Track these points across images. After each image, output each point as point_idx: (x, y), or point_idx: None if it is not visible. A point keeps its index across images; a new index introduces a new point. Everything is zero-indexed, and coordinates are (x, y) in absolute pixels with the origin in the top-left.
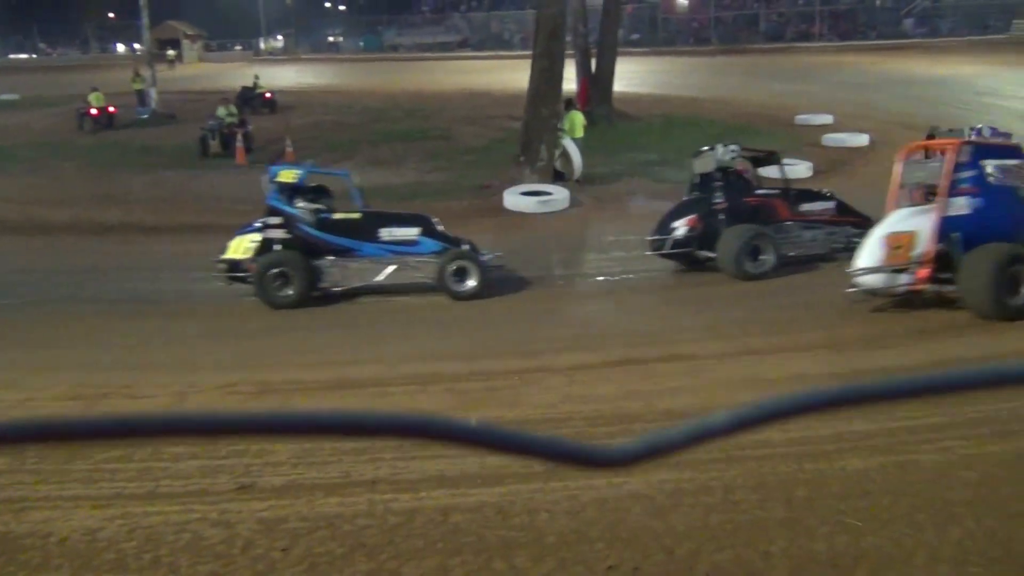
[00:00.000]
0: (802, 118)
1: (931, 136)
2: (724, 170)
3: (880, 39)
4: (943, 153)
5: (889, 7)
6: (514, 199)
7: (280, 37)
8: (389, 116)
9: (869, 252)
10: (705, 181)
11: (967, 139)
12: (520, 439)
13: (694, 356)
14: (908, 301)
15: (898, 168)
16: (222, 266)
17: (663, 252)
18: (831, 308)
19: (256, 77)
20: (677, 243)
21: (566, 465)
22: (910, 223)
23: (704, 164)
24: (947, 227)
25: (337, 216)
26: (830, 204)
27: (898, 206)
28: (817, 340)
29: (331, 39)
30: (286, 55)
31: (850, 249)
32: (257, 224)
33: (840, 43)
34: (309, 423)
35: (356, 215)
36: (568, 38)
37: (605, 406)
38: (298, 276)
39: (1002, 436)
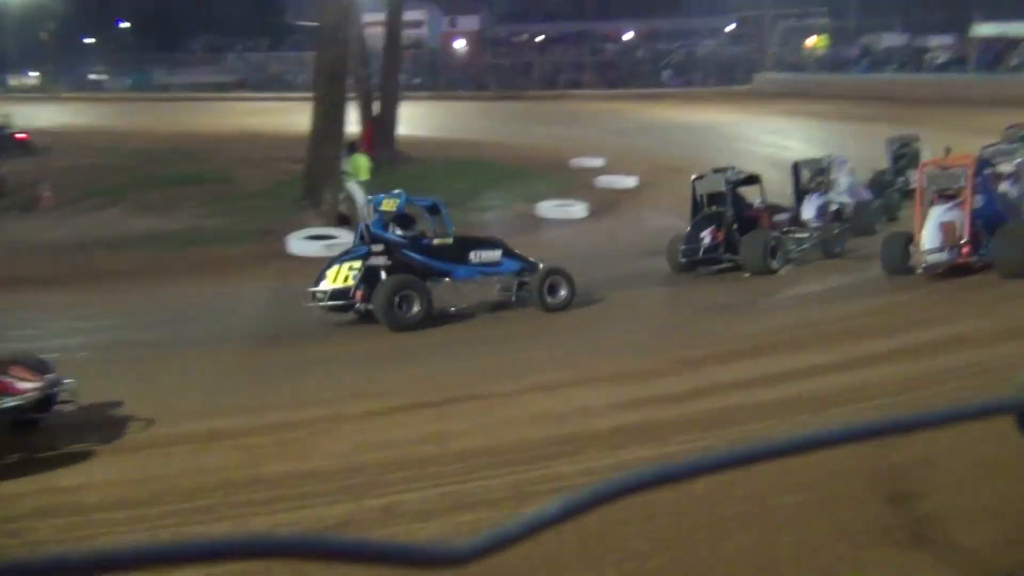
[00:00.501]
0: (576, 161)
1: (947, 153)
2: (733, 189)
3: (642, 88)
4: (963, 167)
5: (649, 59)
6: (298, 244)
7: (34, 73)
8: (161, 159)
9: (931, 237)
10: (714, 199)
11: (979, 156)
12: (355, 546)
13: (484, 396)
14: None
15: (922, 178)
16: (322, 295)
17: (696, 259)
18: (617, 341)
19: (6, 116)
20: (707, 250)
21: (408, 567)
22: (949, 216)
23: (713, 185)
24: (974, 217)
25: (436, 241)
26: (787, 215)
27: (923, 205)
28: (602, 373)
29: (93, 77)
30: (43, 93)
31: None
32: (362, 251)
33: (608, 91)
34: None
35: (449, 240)
36: (350, 81)
37: (399, 452)
38: (422, 298)
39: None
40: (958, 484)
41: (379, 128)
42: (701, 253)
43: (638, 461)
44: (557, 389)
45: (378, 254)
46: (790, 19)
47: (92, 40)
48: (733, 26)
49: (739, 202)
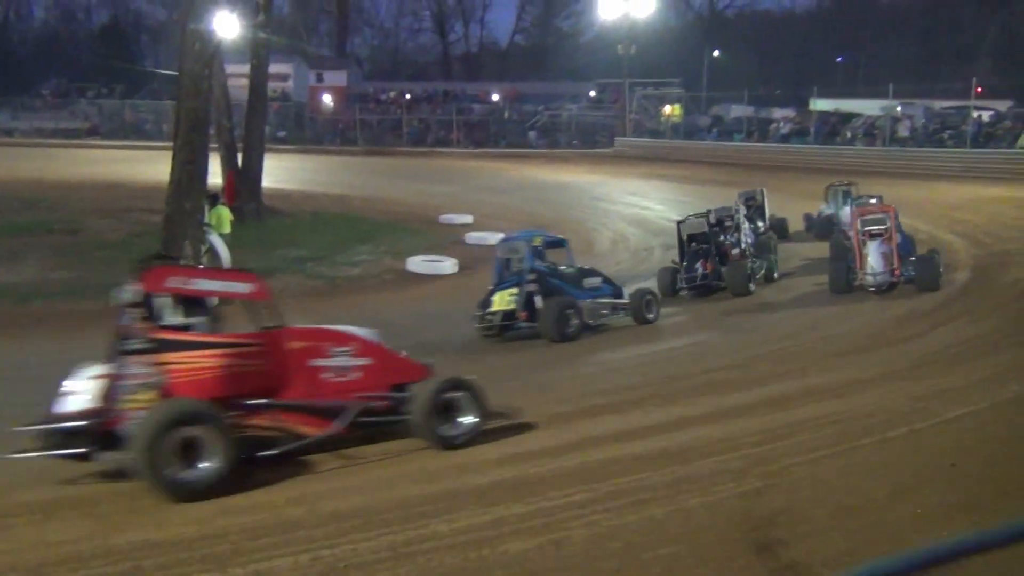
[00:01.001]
0: (445, 217)
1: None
2: (715, 227)
3: (508, 147)
4: (887, 213)
5: (515, 120)
6: None
7: None
8: (2, 207)
9: (876, 264)
10: (697, 238)
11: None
12: None
13: (353, 456)
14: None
15: (857, 222)
16: (491, 317)
17: (693, 286)
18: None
19: None
20: (702, 278)
21: None
22: (884, 248)
23: (697, 227)
24: (900, 249)
25: (565, 270)
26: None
27: (859, 244)
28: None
29: None
30: None
31: None
32: (514, 280)
33: (475, 150)
34: None
35: (572, 270)
36: (212, 131)
37: (266, 514)
38: (579, 316)
39: (637, 505)
40: (821, 532)
41: (243, 180)
42: (698, 281)
43: (515, 517)
44: (427, 447)
45: (531, 281)
46: (647, 87)
47: None
48: (594, 92)
49: (717, 238)
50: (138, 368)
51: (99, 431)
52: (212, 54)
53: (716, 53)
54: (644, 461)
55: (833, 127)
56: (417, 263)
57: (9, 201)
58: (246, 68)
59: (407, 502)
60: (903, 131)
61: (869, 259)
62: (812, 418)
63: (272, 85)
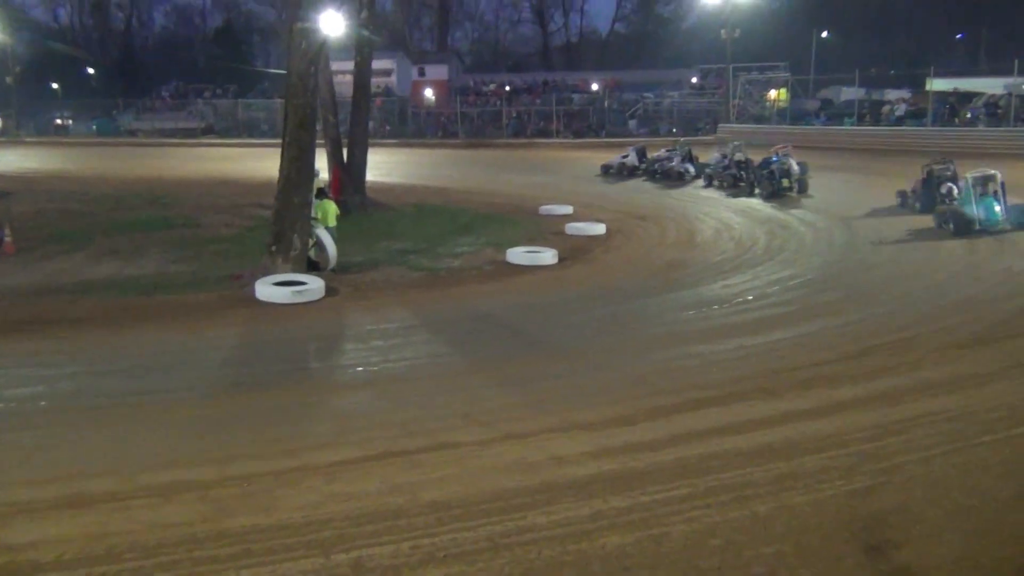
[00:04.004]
0: (545, 208)
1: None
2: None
3: (609, 137)
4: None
5: (616, 109)
6: (266, 290)
7: None
8: (127, 204)
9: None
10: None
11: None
12: None
13: (457, 444)
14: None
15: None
16: None
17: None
18: (590, 388)
19: None
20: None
21: None
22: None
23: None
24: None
25: None
26: None
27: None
28: (575, 420)
29: (59, 122)
30: (6, 138)
31: None
32: None
33: (575, 140)
34: None
35: None
36: (319, 127)
37: (368, 503)
38: None
39: (739, 502)
40: (935, 534)
41: (348, 174)
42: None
43: (613, 511)
44: (530, 437)
45: None
46: (751, 72)
47: (58, 85)
48: (696, 79)
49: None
50: None
51: None
52: (318, 52)
53: (824, 34)
54: (747, 456)
55: (952, 108)
56: (517, 254)
57: (132, 198)
58: (351, 64)
59: (505, 493)
60: None
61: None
62: (927, 413)
63: (375, 80)
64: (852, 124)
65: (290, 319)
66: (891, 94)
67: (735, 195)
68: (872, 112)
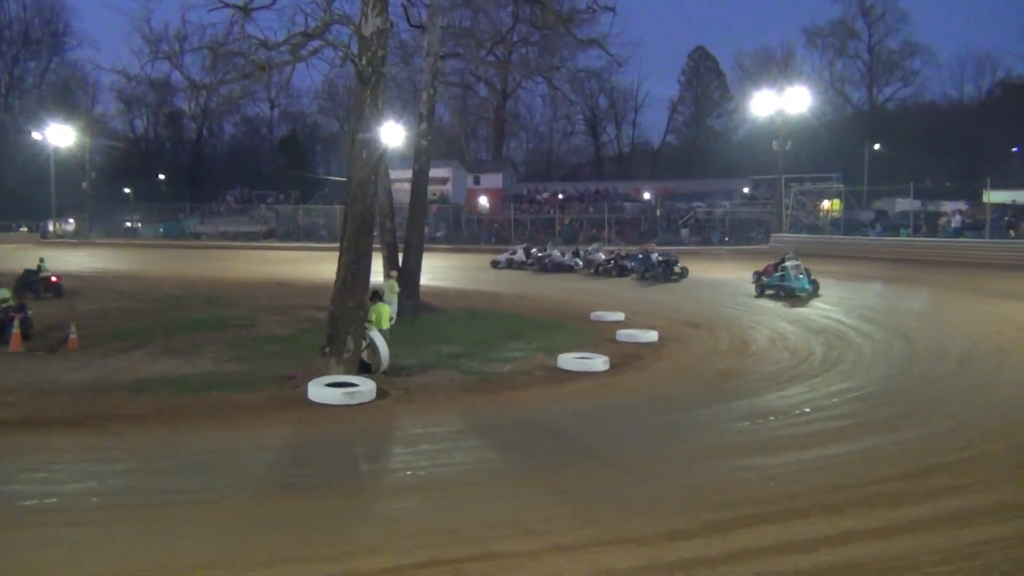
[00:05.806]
0: (597, 314)
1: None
2: None
3: (660, 245)
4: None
5: (667, 217)
6: (319, 391)
7: (71, 220)
8: (187, 304)
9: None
10: None
11: None
12: None
13: (506, 554)
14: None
15: None
16: None
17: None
18: (643, 498)
19: (41, 260)
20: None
21: None
22: None
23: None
24: None
25: None
26: None
27: None
28: (626, 533)
29: (128, 225)
30: (78, 238)
31: None
32: None
33: (627, 247)
34: None
35: None
36: (375, 232)
37: None
38: None
39: None
40: None
41: (403, 278)
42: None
43: None
44: (580, 549)
45: None
46: (804, 182)
47: (130, 190)
48: (747, 189)
49: None
50: None
51: None
52: (378, 161)
53: (877, 146)
54: None
55: (1010, 220)
56: (568, 360)
57: (192, 298)
58: (408, 173)
59: None
60: None
61: None
62: (1001, 538)
63: (432, 188)
64: (908, 235)
65: (340, 421)
66: (947, 205)
67: (792, 305)
68: (928, 223)
